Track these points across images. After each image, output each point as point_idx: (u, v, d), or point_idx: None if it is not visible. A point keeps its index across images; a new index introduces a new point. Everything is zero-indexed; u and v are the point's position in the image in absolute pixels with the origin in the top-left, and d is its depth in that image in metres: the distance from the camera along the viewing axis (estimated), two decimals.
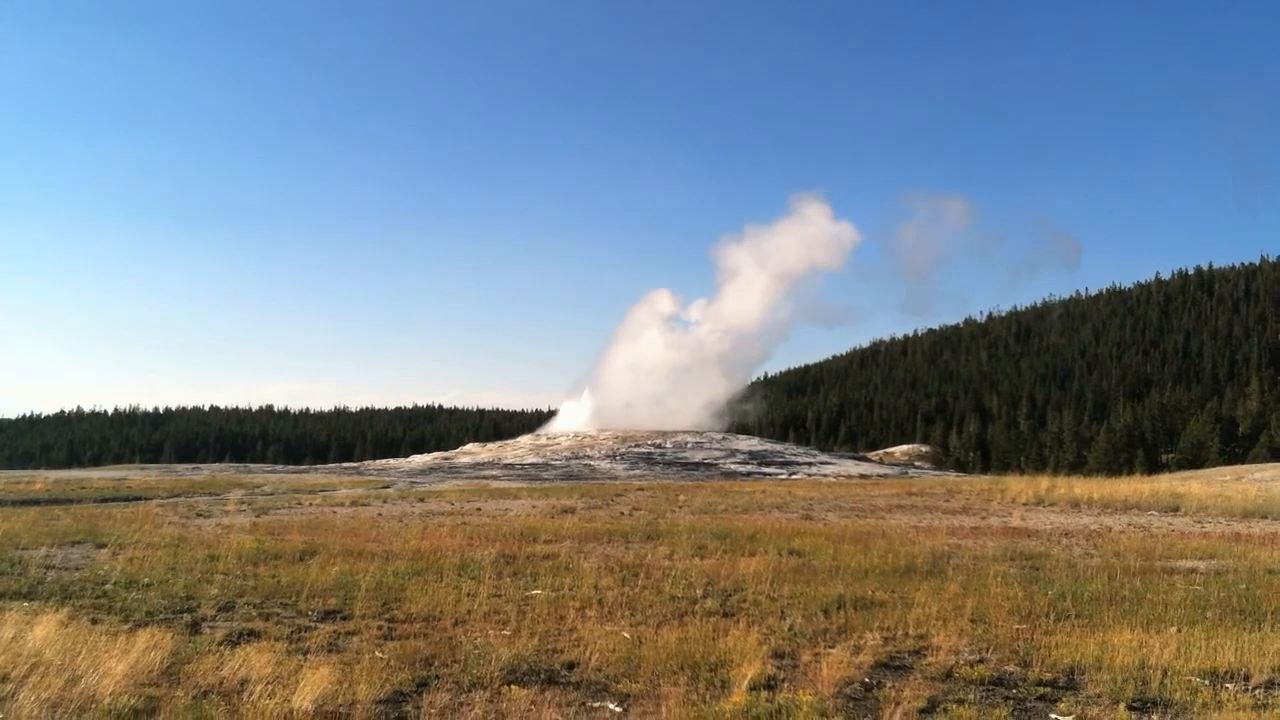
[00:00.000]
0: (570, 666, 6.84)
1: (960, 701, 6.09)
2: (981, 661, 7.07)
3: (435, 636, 7.76)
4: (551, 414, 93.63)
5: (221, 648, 7.10)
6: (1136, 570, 11.73)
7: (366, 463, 71.08)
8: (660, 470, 52.16)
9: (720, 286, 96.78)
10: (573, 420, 79.26)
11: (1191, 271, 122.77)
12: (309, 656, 6.95)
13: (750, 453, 61.04)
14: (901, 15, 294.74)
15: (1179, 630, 7.94)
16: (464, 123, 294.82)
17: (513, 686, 6.25)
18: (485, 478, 44.52)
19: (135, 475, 44.59)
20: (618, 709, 5.94)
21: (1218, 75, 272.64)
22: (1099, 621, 8.45)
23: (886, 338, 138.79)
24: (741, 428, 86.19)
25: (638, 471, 51.01)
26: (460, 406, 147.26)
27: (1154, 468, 58.64)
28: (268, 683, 6.01)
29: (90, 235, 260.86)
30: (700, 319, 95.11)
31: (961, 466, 73.14)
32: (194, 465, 64.58)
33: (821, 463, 59.81)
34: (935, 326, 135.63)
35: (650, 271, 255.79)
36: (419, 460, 64.67)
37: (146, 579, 10.53)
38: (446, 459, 64.29)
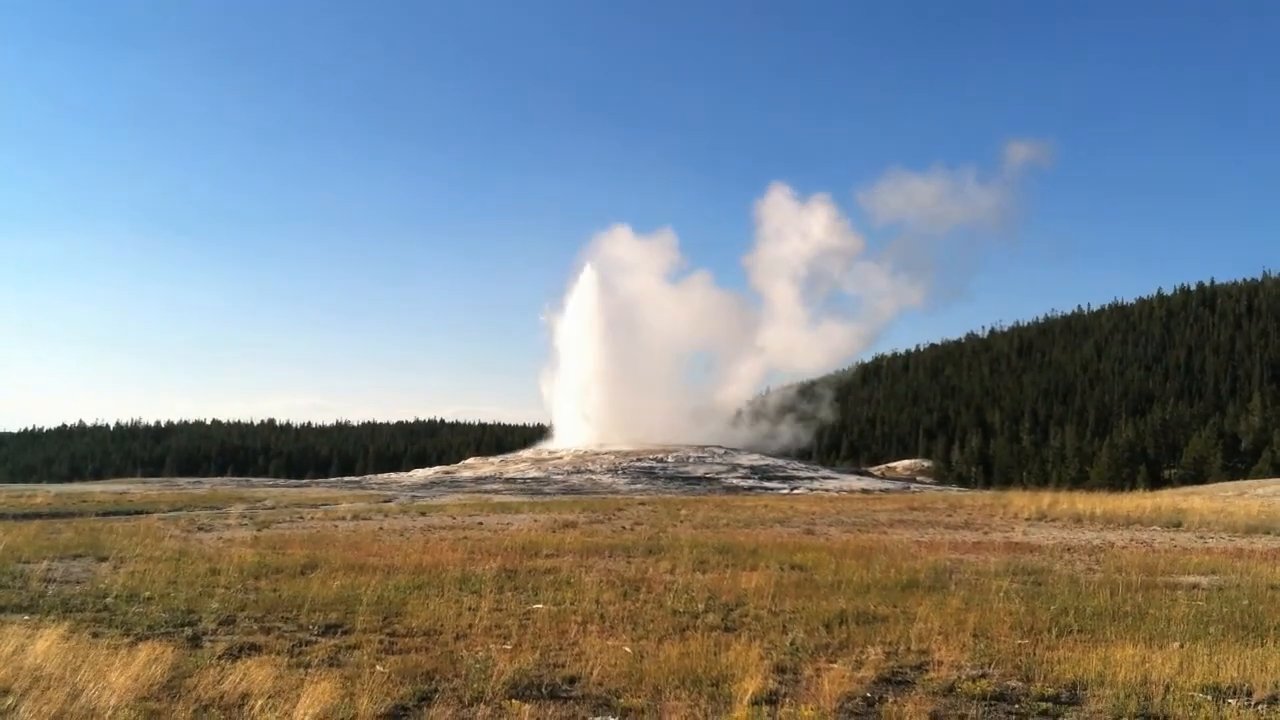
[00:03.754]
0: (572, 681, 6.84)
1: (962, 717, 6.09)
2: (984, 676, 7.06)
3: (437, 651, 7.76)
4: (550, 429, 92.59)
5: (222, 661, 7.09)
6: (1139, 585, 11.71)
7: (368, 477, 70.90)
8: (662, 485, 52.09)
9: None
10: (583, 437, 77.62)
11: (1194, 287, 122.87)
12: (310, 671, 6.94)
13: (752, 467, 60.92)
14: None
15: (1181, 646, 7.93)
16: (468, 135, 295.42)
17: (514, 701, 6.25)
18: (487, 492, 44.50)
19: (137, 489, 44.57)
20: None
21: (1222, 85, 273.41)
22: (1101, 637, 8.45)
23: (889, 353, 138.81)
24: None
25: (639, 486, 50.95)
26: (462, 420, 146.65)
27: (1156, 483, 58.49)
28: (269, 697, 6.01)
29: (92, 248, 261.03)
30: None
31: (964, 481, 72.98)
32: (196, 479, 64.41)
33: (824, 477, 59.69)
34: (937, 341, 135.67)
35: None
36: (420, 474, 64.52)
37: (148, 593, 10.54)
38: (448, 473, 64.16)
